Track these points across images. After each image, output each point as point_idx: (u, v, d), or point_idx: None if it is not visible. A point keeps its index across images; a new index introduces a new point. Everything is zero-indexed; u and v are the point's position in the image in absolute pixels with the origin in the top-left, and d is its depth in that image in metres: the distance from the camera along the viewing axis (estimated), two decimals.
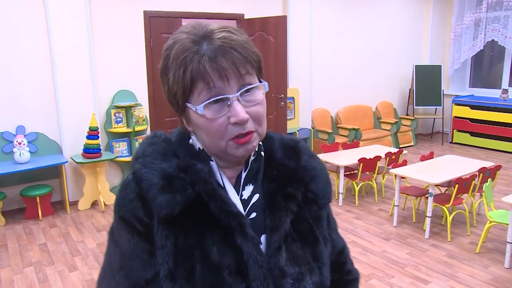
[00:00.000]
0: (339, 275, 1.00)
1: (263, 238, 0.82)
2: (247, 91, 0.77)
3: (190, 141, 0.85)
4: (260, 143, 0.87)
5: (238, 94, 0.76)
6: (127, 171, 5.02)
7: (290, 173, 0.87)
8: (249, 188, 0.85)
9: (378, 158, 4.65)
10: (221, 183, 0.83)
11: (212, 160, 0.84)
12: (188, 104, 0.78)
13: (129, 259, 0.79)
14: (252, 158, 0.86)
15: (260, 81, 0.81)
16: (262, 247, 0.81)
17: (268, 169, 0.88)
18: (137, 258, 0.78)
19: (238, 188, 0.84)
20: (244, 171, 0.85)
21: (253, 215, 0.84)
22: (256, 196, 0.85)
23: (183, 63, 0.75)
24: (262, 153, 0.89)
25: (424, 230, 3.96)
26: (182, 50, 0.76)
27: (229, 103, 0.76)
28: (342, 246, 1.02)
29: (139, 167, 0.80)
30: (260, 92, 0.80)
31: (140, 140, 0.91)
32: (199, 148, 0.84)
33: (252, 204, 0.84)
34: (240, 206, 0.82)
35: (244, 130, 0.77)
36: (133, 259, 0.79)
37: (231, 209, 0.79)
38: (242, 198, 0.84)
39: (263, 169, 0.88)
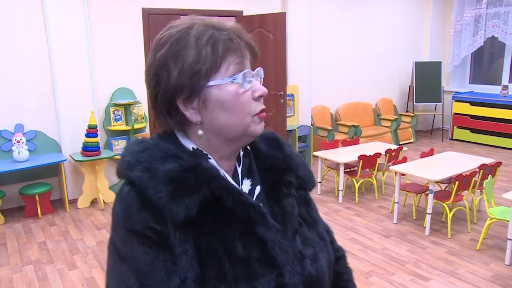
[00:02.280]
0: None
1: None
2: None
3: (200, 132, 0.81)
4: None
5: (255, 72, 0.82)
6: None
7: (281, 163, 0.91)
8: (247, 182, 0.87)
9: (378, 155, 4.63)
10: (226, 178, 0.83)
11: (210, 158, 0.83)
12: (212, 82, 0.77)
13: (149, 273, 0.73)
14: (241, 153, 0.89)
15: None
16: None
17: (259, 161, 0.91)
18: (159, 269, 0.73)
19: (236, 183, 0.86)
20: (239, 166, 0.87)
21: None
22: (258, 188, 0.88)
23: (211, 40, 0.77)
24: (249, 148, 0.91)
25: (424, 227, 3.95)
26: (203, 31, 0.78)
27: (250, 79, 0.80)
28: (327, 226, 1.05)
29: (140, 175, 0.76)
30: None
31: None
32: (193, 148, 0.83)
33: (257, 195, 0.87)
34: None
35: (263, 106, 0.83)
36: (155, 271, 0.73)
37: (249, 201, 0.79)
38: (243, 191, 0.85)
39: (254, 163, 0.91)
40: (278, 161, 0.91)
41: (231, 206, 0.77)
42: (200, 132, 0.81)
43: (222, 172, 0.83)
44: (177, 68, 0.77)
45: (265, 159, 0.91)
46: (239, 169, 0.87)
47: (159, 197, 0.73)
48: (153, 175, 0.75)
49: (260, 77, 0.84)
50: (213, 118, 0.80)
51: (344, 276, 1.03)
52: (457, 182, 3.69)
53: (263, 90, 0.81)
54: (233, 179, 0.85)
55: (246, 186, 0.87)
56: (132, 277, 0.74)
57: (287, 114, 5.91)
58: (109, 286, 0.80)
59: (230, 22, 0.82)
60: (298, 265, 0.80)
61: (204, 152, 0.83)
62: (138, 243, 0.74)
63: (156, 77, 0.79)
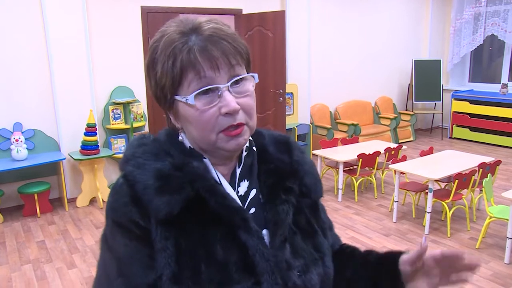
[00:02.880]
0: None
1: (264, 232, 0.82)
2: (237, 82, 0.77)
3: (180, 138, 0.84)
4: (251, 138, 0.86)
5: (228, 84, 0.75)
6: None
7: (286, 167, 0.88)
8: (244, 184, 0.85)
9: (377, 153, 4.63)
10: (217, 180, 0.82)
11: (205, 158, 0.82)
12: (177, 97, 0.77)
13: (128, 265, 0.75)
14: (244, 153, 0.86)
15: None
16: (266, 241, 0.80)
17: (264, 163, 0.88)
18: (137, 262, 0.75)
19: (233, 184, 0.84)
20: (238, 167, 0.85)
21: (252, 210, 0.83)
22: (254, 192, 0.85)
23: (172, 54, 0.74)
24: (254, 148, 0.89)
25: (424, 226, 3.95)
26: (171, 41, 0.75)
27: (219, 93, 0.75)
28: (337, 237, 1.03)
29: (131, 169, 0.78)
30: (250, 84, 0.80)
31: None
32: (189, 147, 0.83)
33: (250, 199, 0.84)
34: (238, 202, 0.81)
35: (235, 121, 0.76)
36: (132, 264, 0.75)
37: (232, 204, 0.78)
38: (239, 194, 0.83)
39: (257, 164, 0.88)
40: (284, 165, 0.88)
41: (214, 208, 0.76)
42: (180, 137, 0.83)
43: (215, 173, 0.82)
44: (153, 79, 0.79)
45: (270, 162, 0.88)
46: (238, 170, 0.85)
47: (146, 193, 0.75)
48: (144, 171, 0.76)
49: (252, 84, 0.80)
50: (186, 129, 0.81)
51: (357, 251, 0.98)
52: (456, 181, 3.69)
53: (231, 107, 0.75)
54: (230, 181, 0.84)
55: (243, 188, 0.84)
56: (114, 266, 0.77)
57: (287, 113, 5.91)
58: (97, 273, 0.83)
59: (213, 21, 0.77)
60: (279, 275, 0.77)
61: (199, 151, 0.83)
62: (121, 235, 0.76)
63: (148, 79, 0.82)
